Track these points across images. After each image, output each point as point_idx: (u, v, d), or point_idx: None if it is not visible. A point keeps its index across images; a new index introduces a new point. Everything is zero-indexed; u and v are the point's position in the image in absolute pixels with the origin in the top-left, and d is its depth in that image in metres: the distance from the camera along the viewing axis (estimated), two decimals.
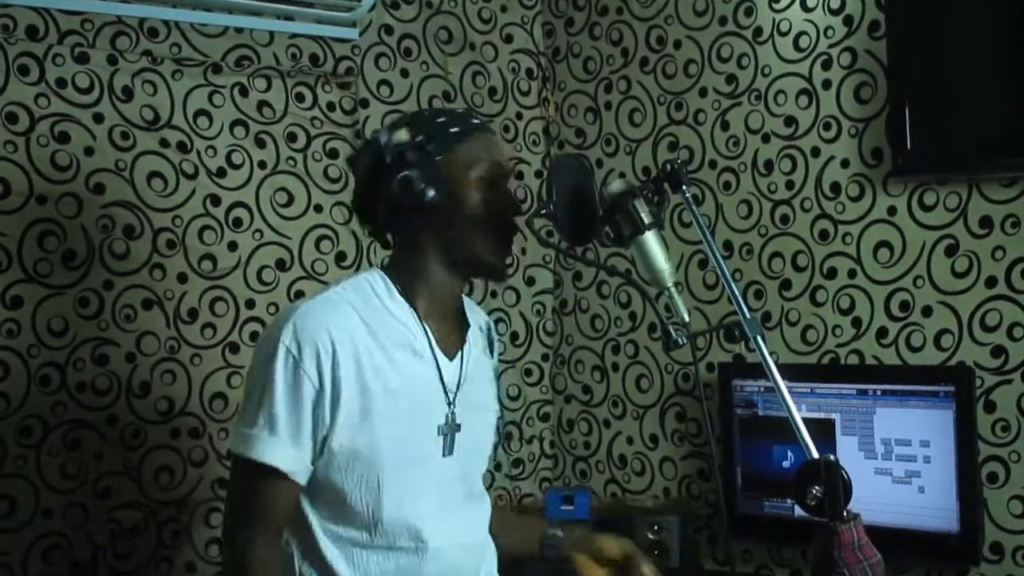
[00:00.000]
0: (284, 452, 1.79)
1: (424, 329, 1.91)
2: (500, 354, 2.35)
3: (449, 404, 1.93)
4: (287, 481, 1.80)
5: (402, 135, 1.86)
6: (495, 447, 2.15)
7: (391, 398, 1.84)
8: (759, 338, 1.70)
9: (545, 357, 3.66)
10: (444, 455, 1.93)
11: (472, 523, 2.03)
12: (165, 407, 2.86)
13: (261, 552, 1.79)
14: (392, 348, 1.87)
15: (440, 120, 1.91)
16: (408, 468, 1.87)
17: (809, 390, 2.78)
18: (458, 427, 1.94)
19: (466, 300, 2.07)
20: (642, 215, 1.76)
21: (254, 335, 2.99)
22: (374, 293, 1.89)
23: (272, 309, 3.03)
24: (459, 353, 1.97)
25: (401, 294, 1.90)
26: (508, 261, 1.94)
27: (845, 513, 1.60)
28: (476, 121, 1.95)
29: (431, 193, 1.83)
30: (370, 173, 1.89)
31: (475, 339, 2.04)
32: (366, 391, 1.82)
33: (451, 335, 1.97)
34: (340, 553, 1.85)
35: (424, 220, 1.87)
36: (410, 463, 1.87)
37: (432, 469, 1.91)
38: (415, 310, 1.90)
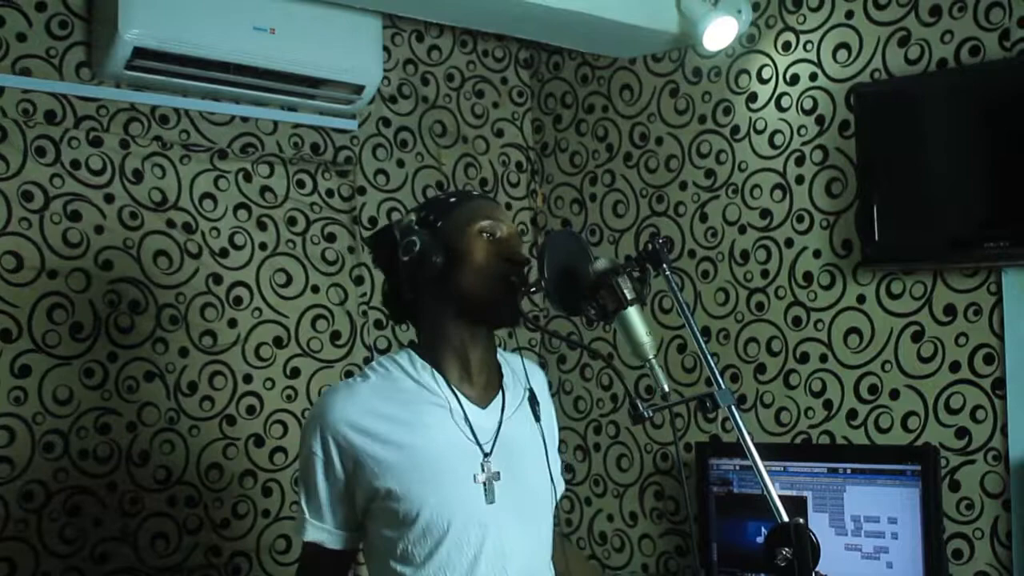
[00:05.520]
0: (313, 528, 1.99)
1: (447, 385, 1.99)
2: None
3: (485, 454, 1.99)
4: (322, 550, 1.99)
5: (409, 216, 2.02)
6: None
7: (409, 454, 1.92)
8: (732, 406, 1.83)
9: None
10: (488, 502, 1.97)
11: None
12: (163, 476, 2.95)
13: None
14: (413, 410, 1.96)
15: (441, 198, 2.07)
16: (444, 515, 1.93)
17: (782, 468, 2.89)
18: (496, 475, 1.99)
19: (507, 354, 2.15)
20: (625, 291, 1.88)
21: (250, 408, 3.11)
22: (398, 366, 2.00)
23: (269, 384, 3.15)
24: (494, 402, 2.04)
25: (423, 358, 2.01)
26: (515, 308, 1.97)
27: (814, 574, 1.68)
28: (474, 192, 2.10)
29: (438, 258, 1.95)
30: (386, 256, 2.03)
31: (514, 387, 2.10)
32: (376, 457, 1.91)
33: (487, 387, 2.04)
34: None
35: (438, 286, 1.97)
36: (444, 510, 1.94)
37: (477, 516, 1.96)
38: (438, 371, 2.00)
